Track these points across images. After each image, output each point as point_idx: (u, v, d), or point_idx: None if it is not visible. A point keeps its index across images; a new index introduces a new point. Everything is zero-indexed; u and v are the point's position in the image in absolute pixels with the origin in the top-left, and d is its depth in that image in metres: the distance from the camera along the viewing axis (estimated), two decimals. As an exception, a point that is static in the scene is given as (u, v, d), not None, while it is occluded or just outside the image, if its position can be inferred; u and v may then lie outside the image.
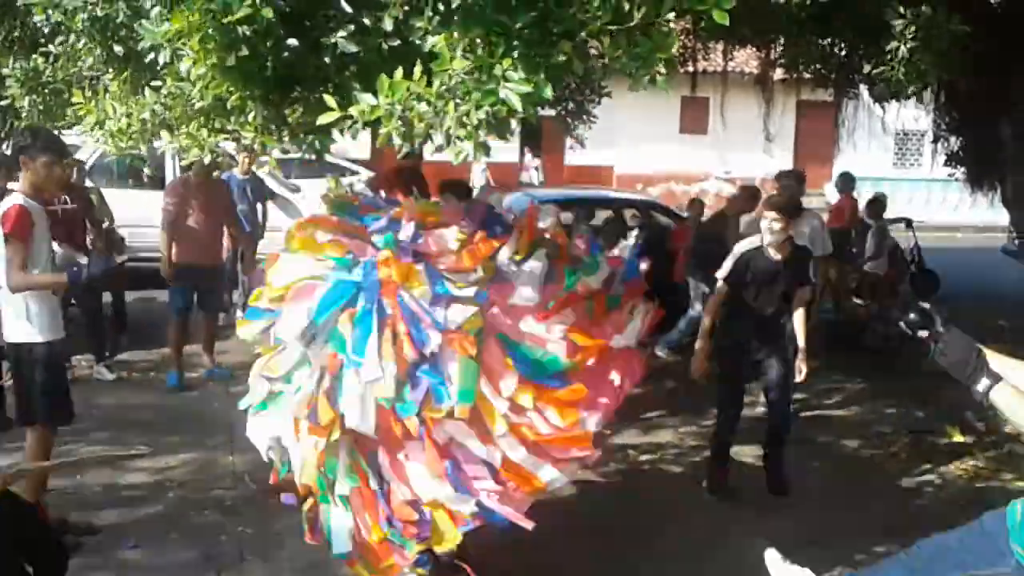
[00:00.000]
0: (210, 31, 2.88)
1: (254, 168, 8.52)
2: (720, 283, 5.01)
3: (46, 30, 4.49)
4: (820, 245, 7.12)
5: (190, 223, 6.90)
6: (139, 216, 9.87)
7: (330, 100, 2.91)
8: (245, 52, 2.91)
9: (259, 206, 8.86)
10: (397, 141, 2.91)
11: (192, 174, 6.98)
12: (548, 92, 2.67)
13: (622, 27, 2.64)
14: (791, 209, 4.94)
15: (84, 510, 4.69)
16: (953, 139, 10.66)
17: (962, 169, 10.90)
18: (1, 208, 4.04)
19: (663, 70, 2.89)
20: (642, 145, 19.92)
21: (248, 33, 2.89)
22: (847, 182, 10.12)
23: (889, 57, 5.29)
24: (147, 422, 6.01)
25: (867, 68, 5.88)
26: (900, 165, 21.84)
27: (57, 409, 4.30)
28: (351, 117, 2.88)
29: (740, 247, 5.01)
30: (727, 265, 5.00)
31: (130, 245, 10.22)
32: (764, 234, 4.83)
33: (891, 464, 5.80)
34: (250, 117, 3.33)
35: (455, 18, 2.80)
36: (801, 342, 4.98)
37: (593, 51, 3.50)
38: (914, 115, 12.36)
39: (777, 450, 5.12)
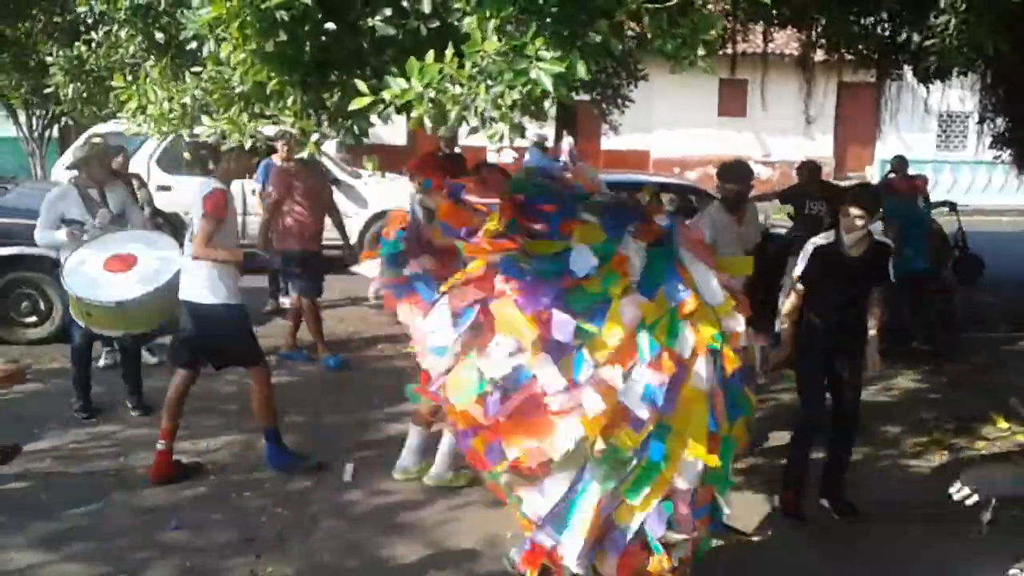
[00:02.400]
0: (248, 17, 2.88)
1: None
2: (796, 283, 4.77)
3: (89, 20, 4.55)
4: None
5: (294, 209, 7.07)
6: None
7: (361, 85, 2.90)
8: (283, 37, 2.92)
9: None
10: (429, 124, 2.90)
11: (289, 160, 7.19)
12: (582, 71, 2.62)
13: (662, 6, 2.59)
14: (875, 205, 4.61)
15: (127, 489, 4.78)
16: (999, 120, 10.43)
17: (1008, 151, 10.66)
18: (203, 191, 4.84)
19: (702, 51, 2.85)
20: (679, 129, 19.73)
21: (286, 18, 2.90)
22: (902, 164, 9.98)
23: (941, 28, 5.14)
24: (189, 405, 6.07)
25: (915, 42, 5.70)
26: (944, 147, 21.40)
27: (251, 353, 5.11)
28: (383, 101, 2.88)
29: (813, 243, 4.76)
30: (800, 263, 4.75)
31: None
32: (843, 231, 4.57)
33: (935, 450, 5.70)
34: (289, 102, 3.34)
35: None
36: (873, 333, 4.78)
37: (630, 32, 3.45)
38: (959, 96, 12.13)
39: (844, 457, 4.86)
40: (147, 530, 4.40)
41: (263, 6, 2.83)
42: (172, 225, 9.85)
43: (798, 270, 4.76)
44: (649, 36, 2.72)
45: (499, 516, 4.62)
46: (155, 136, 4.10)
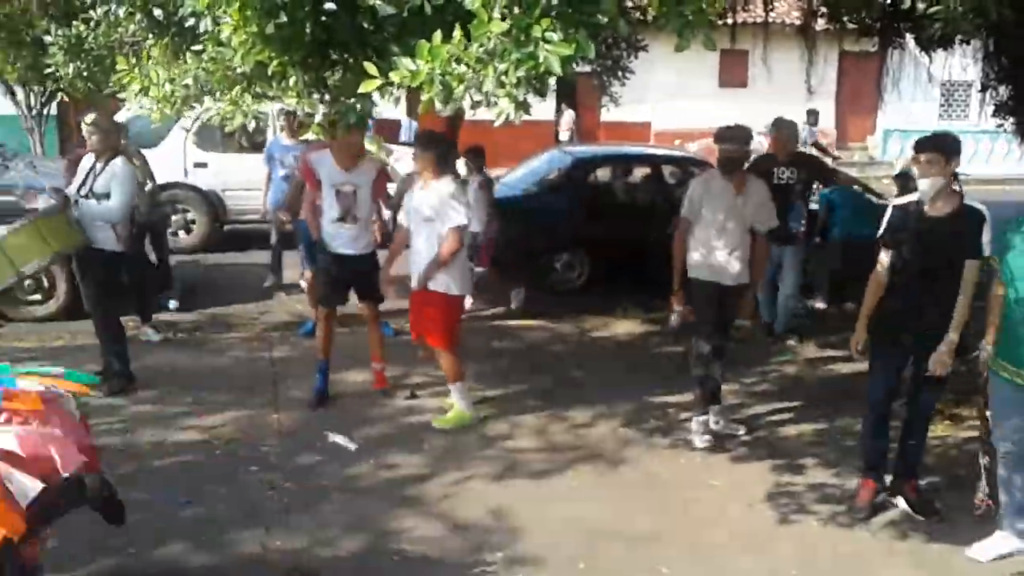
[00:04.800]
0: (248, -1, 2.88)
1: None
2: (881, 249, 4.30)
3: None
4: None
5: None
6: (241, 180, 9.94)
7: (371, 68, 2.90)
8: (283, 18, 2.91)
9: None
10: (439, 105, 2.91)
11: None
12: (591, 51, 2.63)
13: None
14: (946, 146, 4.04)
15: (134, 463, 4.83)
16: (1002, 89, 10.36)
17: (1011, 120, 10.61)
18: None
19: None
20: (679, 100, 19.63)
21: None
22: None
23: None
24: (194, 381, 6.13)
25: (919, 9, 5.63)
26: (946, 116, 21.32)
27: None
28: (391, 83, 2.88)
29: (895, 202, 4.36)
30: (883, 224, 4.31)
31: (233, 208, 10.49)
32: (918, 180, 4.12)
33: (938, 421, 5.70)
34: (291, 82, 3.34)
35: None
36: (954, 328, 4.10)
37: (629, 4, 3.43)
38: (961, 64, 12.06)
39: (911, 448, 4.53)
40: (155, 505, 4.44)
41: (264, -13, 2.82)
42: (210, 202, 9.93)
43: (880, 231, 4.33)
44: (654, 16, 2.71)
45: (505, 489, 4.69)
46: (158, 118, 4.09)
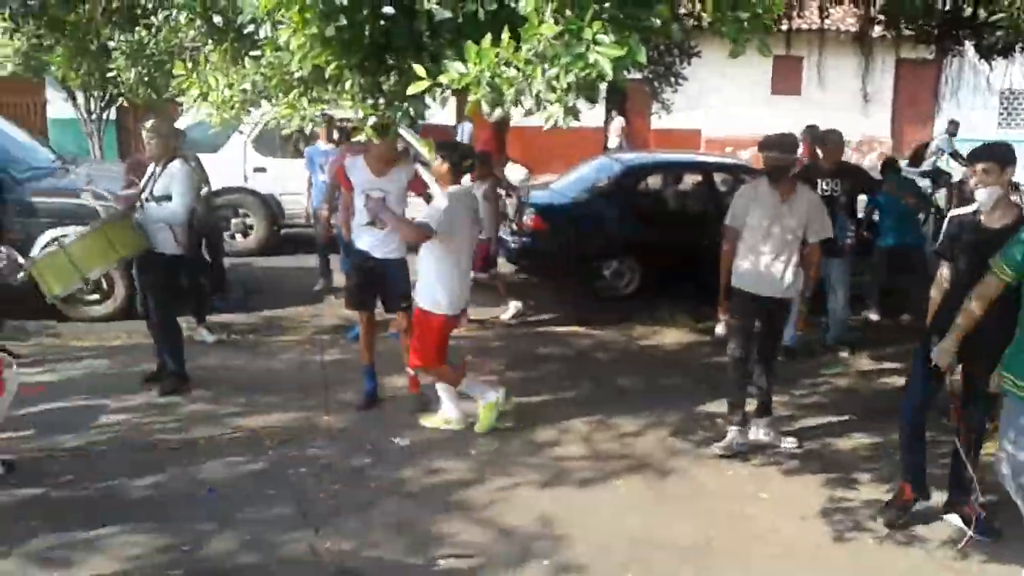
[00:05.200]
0: (308, 1, 2.92)
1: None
2: (941, 262, 4.27)
3: (149, 5, 4.64)
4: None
5: None
6: (298, 185, 10.11)
7: (419, 69, 2.92)
8: (343, 21, 2.95)
9: None
10: (486, 108, 2.92)
11: None
12: (642, 56, 2.62)
13: (726, -9, 2.57)
14: (1002, 154, 4.03)
15: (188, 463, 4.91)
16: (1066, 97, 10.12)
17: (1075, 129, 10.33)
18: None
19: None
20: (731, 107, 19.43)
21: (345, 2, 2.92)
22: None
23: (1008, 2, 4.97)
24: (246, 382, 6.22)
25: (981, 17, 5.54)
26: (1006, 125, 20.82)
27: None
28: (441, 85, 2.90)
29: (952, 213, 4.31)
30: (942, 235, 4.29)
31: (290, 212, 10.71)
32: (976, 192, 4.08)
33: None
34: (347, 86, 3.38)
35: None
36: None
37: (683, 10, 3.40)
38: (1022, 72, 11.80)
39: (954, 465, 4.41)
40: (208, 503, 4.51)
41: (323, -9, 2.86)
42: (268, 206, 10.11)
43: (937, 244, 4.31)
44: (709, 21, 2.69)
45: (551, 496, 4.67)
46: (217, 123, 4.17)
